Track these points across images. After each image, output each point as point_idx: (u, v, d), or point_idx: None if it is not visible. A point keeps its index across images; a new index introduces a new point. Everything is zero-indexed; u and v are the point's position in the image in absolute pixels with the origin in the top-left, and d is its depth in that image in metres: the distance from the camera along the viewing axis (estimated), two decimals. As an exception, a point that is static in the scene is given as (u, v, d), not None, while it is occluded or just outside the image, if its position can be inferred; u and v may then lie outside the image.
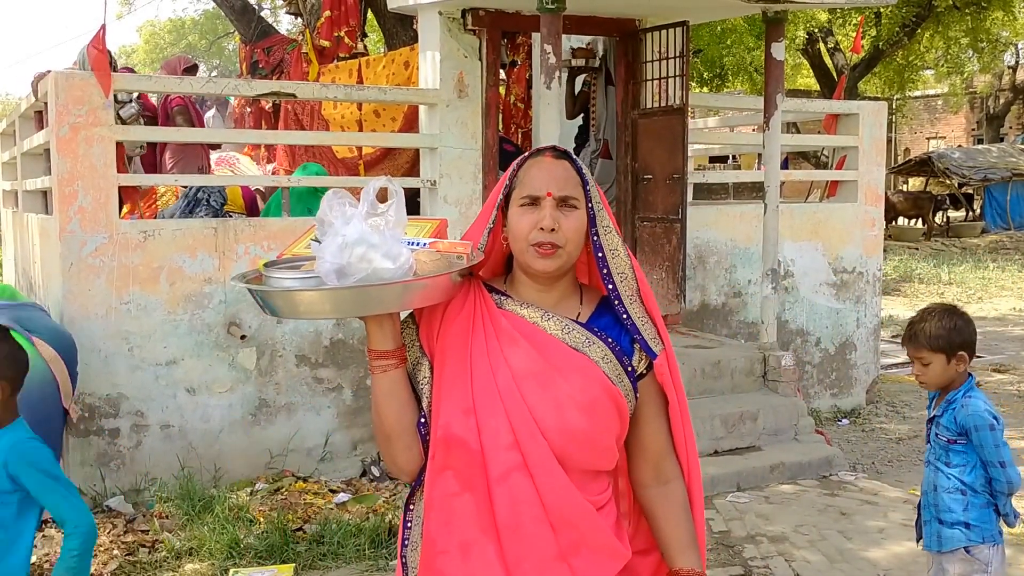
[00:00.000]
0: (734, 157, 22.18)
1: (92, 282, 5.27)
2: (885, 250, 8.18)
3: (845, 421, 7.33)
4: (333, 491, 5.46)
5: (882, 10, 18.60)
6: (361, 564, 4.52)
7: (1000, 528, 3.19)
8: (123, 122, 6.23)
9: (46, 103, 5.62)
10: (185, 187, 6.24)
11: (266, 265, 1.93)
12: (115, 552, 4.59)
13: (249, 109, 8.67)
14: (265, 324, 5.66)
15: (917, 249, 20.58)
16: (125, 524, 4.90)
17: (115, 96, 6.13)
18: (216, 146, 7.59)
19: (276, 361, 5.72)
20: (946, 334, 3.14)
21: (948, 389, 3.22)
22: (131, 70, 5.67)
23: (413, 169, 6.76)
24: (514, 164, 1.96)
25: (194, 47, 35.36)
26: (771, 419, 6.04)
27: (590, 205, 1.91)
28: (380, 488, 5.57)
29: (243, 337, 5.57)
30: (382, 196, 1.88)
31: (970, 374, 3.23)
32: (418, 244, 1.94)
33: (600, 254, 1.92)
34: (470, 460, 1.84)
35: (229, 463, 5.58)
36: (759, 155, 13.43)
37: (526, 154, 1.98)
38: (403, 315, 1.95)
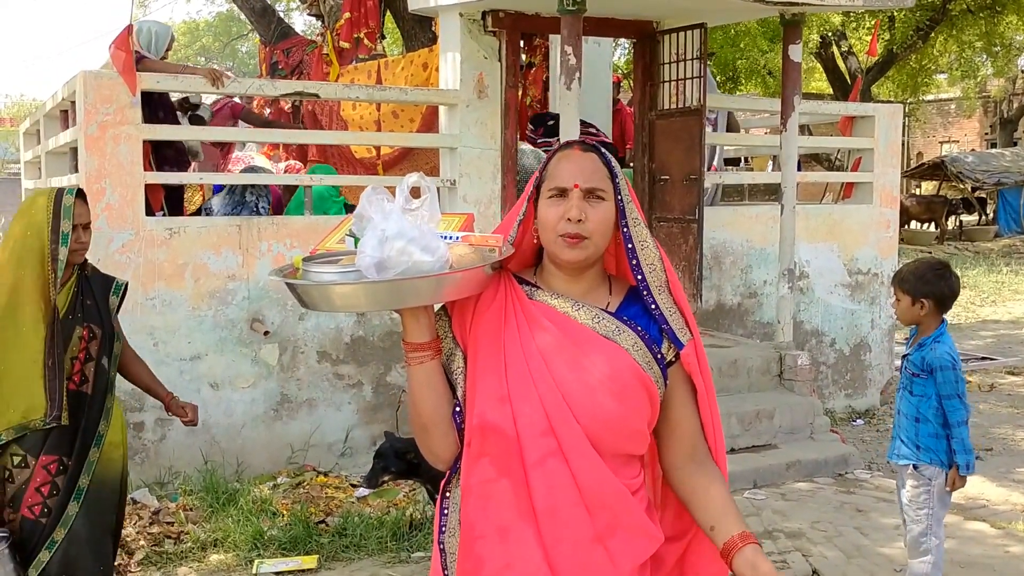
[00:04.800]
0: (746, 159, 22.19)
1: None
2: (898, 253, 8.22)
3: (860, 421, 7.37)
4: (354, 485, 5.52)
5: (896, 14, 18.61)
6: (383, 556, 4.59)
7: (949, 458, 3.75)
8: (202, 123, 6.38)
9: (72, 103, 5.71)
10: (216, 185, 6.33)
11: (305, 260, 1.97)
12: (141, 543, 4.67)
13: (269, 110, 8.76)
14: (287, 320, 5.74)
15: (930, 253, 20.52)
16: (151, 516, 4.98)
17: (187, 100, 6.25)
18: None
19: (298, 357, 5.80)
20: (914, 280, 3.74)
21: (922, 333, 3.80)
22: (219, 74, 5.71)
23: (432, 169, 6.83)
24: (546, 158, 2.02)
25: (208, 49, 35.52)
26: (787, 418, 6.09)
27: (619, 197, 1.95)
28: (400, 483, 5.63)
29: (266, 333, 5.65)
30: (413, 193, 1.94)
31: (943, 321, 3.81)
32: (451, 238, 1.99)
33: (629, 245, 1.96)
34: (506, 447, 1.88)
35: (251, 457, 5.66)
36: (773, 157, 13.43)
37: (556, 147, 2.03)
38: (436, 308, 2.00)
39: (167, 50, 6.17)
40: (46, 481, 3.23)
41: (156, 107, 5.81)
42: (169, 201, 5.98)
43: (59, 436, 3.24)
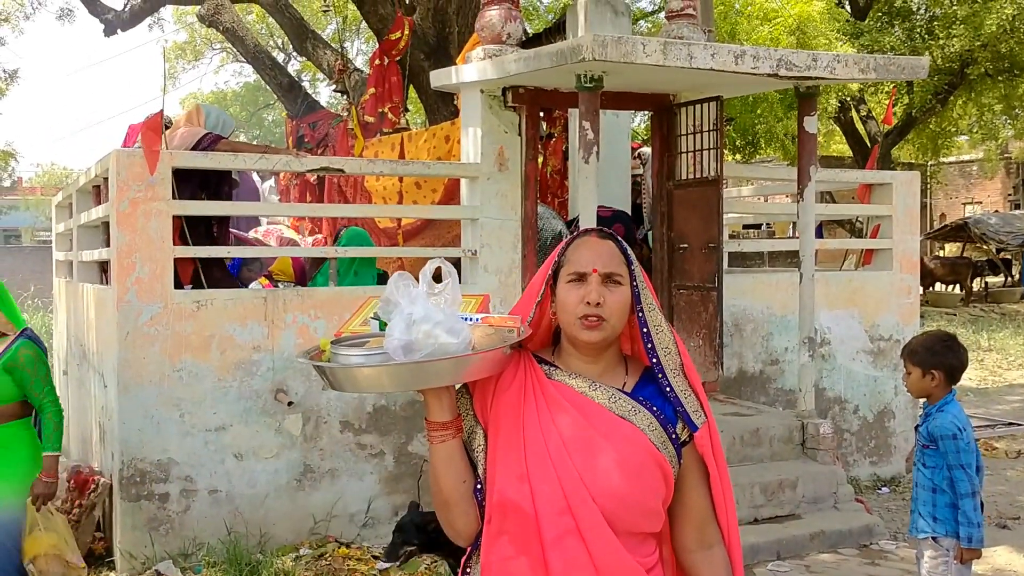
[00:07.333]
0: (768, 223, 22.26)
1: (147, 350, 5.46)
2: (922, 316, 8.21)
3: (885, 489, 7.29)
4: (375, 557, 5.52)
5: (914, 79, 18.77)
6: (405, 630, 4.57)
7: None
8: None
9: (105, 179, 5.88)
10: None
11: (333, 343, 2.06)
12: (165, 616, 4.69)
13: (295, 181, 8.96)
14: (311, 391, 5.81)
15: (955, 315, 20.40)
16: (174, 588, 5.00)
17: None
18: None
19: (321, 427, 5.85)
20: (924, 352, 3.81)
21: (930, 402, 3.85)
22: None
23: (453, 239, 6.94)
24: (562, 244, 2.10)
25: (235, 118, 36.28)
26: (810, 487, 6.04)
27: (635, 284, 2.03)
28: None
29: (290, 404, 5.71)
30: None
31: (951, 391, 3.84)
32: (472, 319, 2.07)
33: (645, 329, 2.04)
34: (525, 525, 1.94)
35: (274, 528, 5.68)
36: (793, 221, 13.48)
37: (574, 234, 2.12)
38: (457, 387, 2.07)
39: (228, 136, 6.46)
40: None
41: (219, 175, 6.15)
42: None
43: None
